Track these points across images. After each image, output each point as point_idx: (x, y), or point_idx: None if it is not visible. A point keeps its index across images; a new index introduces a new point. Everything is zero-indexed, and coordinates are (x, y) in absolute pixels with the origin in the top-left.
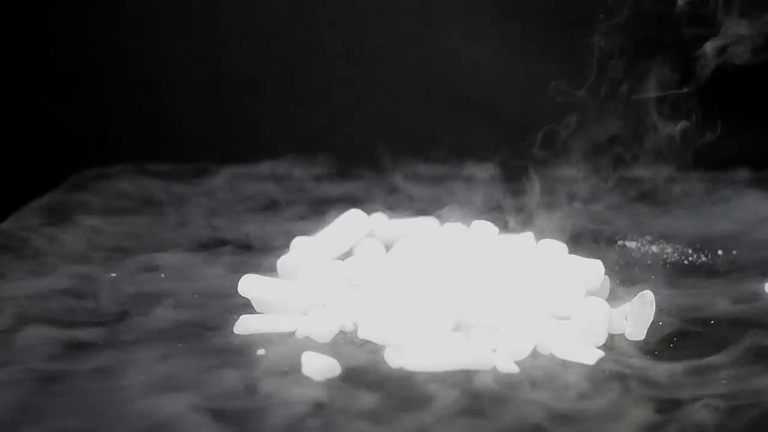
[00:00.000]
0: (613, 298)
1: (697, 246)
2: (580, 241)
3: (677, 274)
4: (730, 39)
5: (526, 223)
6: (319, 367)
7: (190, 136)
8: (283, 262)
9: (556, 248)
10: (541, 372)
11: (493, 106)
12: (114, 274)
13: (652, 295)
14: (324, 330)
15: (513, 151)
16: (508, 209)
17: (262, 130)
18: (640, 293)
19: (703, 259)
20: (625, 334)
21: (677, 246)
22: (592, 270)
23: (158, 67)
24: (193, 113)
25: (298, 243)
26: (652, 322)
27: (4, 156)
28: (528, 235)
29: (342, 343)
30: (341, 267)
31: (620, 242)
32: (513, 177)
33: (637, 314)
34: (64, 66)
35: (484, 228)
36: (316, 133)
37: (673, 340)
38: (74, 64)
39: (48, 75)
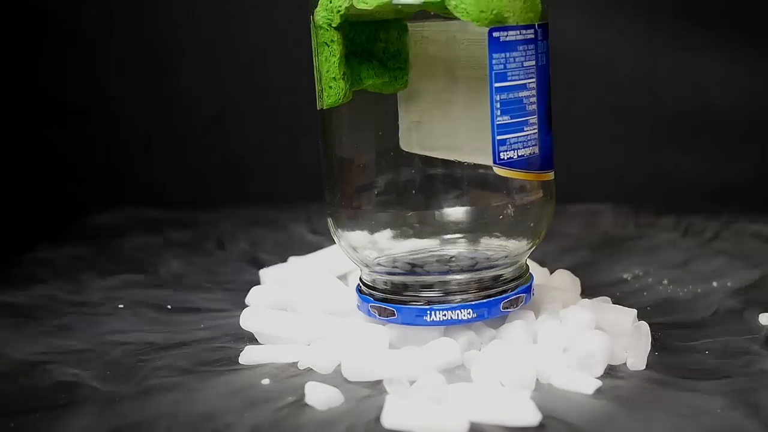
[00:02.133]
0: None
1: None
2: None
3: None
4: None
5: None
6: (322, 397)
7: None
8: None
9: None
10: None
11: None
12: (122, 306)
13: (647, 326)
14: (325, 361)
15: None
16: None
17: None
18: (636, 324)
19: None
20: (627, 365)
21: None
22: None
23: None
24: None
25: (293, 261)
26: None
27: (18, 192)
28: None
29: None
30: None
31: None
32: None
33: (635, 345)
34: (77, 104)
35: None
36: None
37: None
38: (87, 102)
39: (61, 113)
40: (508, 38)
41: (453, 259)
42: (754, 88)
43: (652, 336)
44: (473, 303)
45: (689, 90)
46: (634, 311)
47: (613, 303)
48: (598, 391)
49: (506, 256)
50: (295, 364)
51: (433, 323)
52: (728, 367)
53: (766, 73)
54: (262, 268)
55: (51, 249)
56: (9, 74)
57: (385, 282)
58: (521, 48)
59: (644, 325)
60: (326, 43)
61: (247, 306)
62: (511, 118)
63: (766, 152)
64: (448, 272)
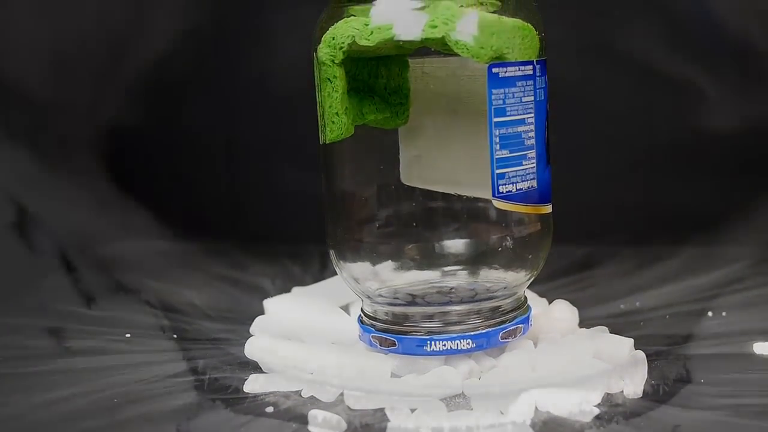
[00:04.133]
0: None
1: None
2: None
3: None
4: None
5: None
6: (325, 424)
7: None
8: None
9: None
10: None
11: None
12: (128, 335)
13: (644, 355)
14: (328, 390)
15: None
16: None
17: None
18: (633, 354)
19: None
20: (624, 393)
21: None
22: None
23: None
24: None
25: (296, 291)
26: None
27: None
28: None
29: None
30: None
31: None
32: None
33: (633, 374)
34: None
35: None
36: None
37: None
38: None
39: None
40: (507, 74)
41: (453, 290)
42: (750, 119)
43: (649, 365)
44: (473, 333)
45: (686, 121)
46: (631, 341)
47: (611, 333)
48: (596, 418)
49: (505, 288)
50: (298, 392)
51: (433, 353)
52: (724, 397)
53: (760, 103)
54: (266, 298)
55: (59, 278)
56: None
57: (386, 313)
58: (520, 84)
59: (641, 354)
60: (329, 78)
61: (252, 335)
62: (510, 153)
63: (762, 183)
64: (448, 303)
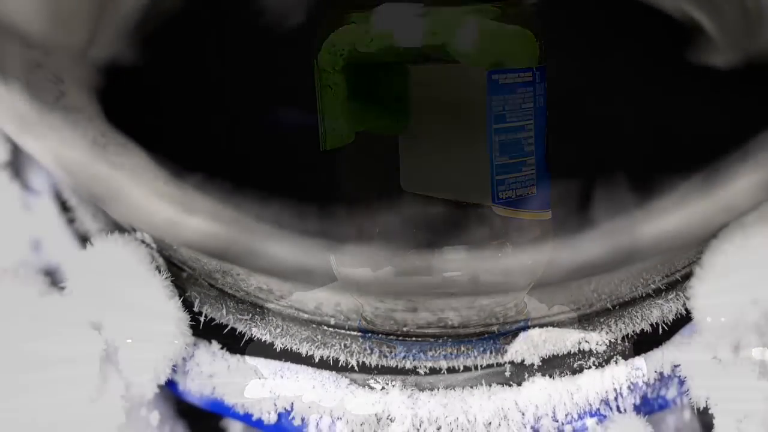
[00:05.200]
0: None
1: None
2: None
3: None
4: None
5: None
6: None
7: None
8: None
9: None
10: None
11: None
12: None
13: (643, 361)
14: (330, 394)
15: None
16: None
17: None
18: (630, 361)
19: None
20: (623, 397)
21: None
22: None
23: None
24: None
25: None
26: None
27: None
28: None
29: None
30: None
31: None
32: None
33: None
34: None
35: None
36: None
37: None
38: None
39: None
40: (506, 81)
41: (453, 295)
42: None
43: (648, 371)
44: (472, 339)
45: (686, 133)
46: (630, 346)
47: None
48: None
49: (505, 294)
50: (300, 398)
51: (434, 358)
52: (724, 402)
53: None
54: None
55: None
56: None
57: (387, 318)
58: (520, 90)
59: (640, 361)
60: (329, 85)
61: (253, 340)
62: (510, 159)
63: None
64: (448, 309)
